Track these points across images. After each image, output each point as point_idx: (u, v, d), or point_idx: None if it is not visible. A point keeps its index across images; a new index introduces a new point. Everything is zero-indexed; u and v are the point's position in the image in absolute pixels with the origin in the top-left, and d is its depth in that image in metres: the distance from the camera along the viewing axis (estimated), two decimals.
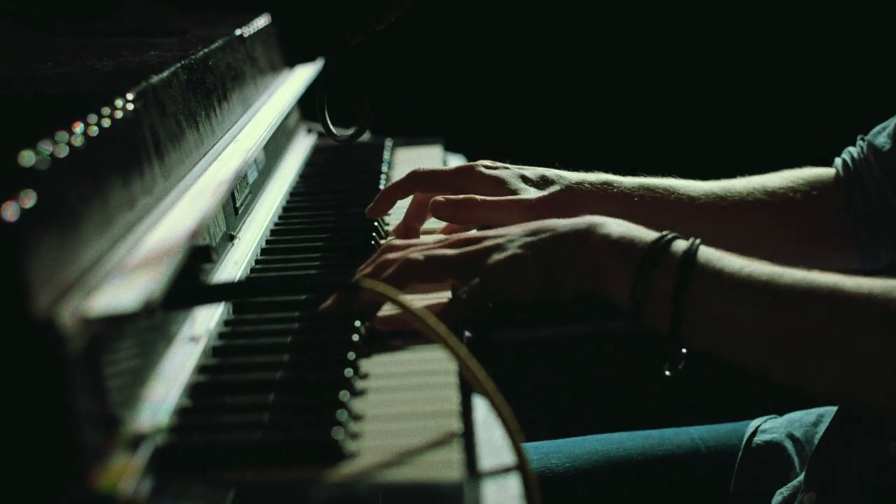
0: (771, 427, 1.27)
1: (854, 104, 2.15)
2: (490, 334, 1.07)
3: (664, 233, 0.98)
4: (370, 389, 0.91)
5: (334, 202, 1.48)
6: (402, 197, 1.30)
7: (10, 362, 0.68)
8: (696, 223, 1.25)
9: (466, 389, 0.90)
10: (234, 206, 1.26)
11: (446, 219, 1.25)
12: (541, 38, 2.67)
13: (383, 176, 1.58)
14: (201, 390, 0.90)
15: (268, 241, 1.31)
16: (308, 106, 1.82)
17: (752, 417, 1.32)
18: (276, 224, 1.39)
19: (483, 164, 1.27)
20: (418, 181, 1.28)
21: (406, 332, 1.01)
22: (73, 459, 0.69)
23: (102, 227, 0.82)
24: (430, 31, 2.56)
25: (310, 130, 1.88)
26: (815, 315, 0.91)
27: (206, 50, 1.34)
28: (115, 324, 0.77)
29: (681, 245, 0.96)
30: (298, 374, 0.93)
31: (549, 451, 1.31)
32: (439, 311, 1.00)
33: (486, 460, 0.82)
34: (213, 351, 0.98)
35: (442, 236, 1.16)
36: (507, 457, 0.81)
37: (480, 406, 0.88)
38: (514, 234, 1.03)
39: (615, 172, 1.28)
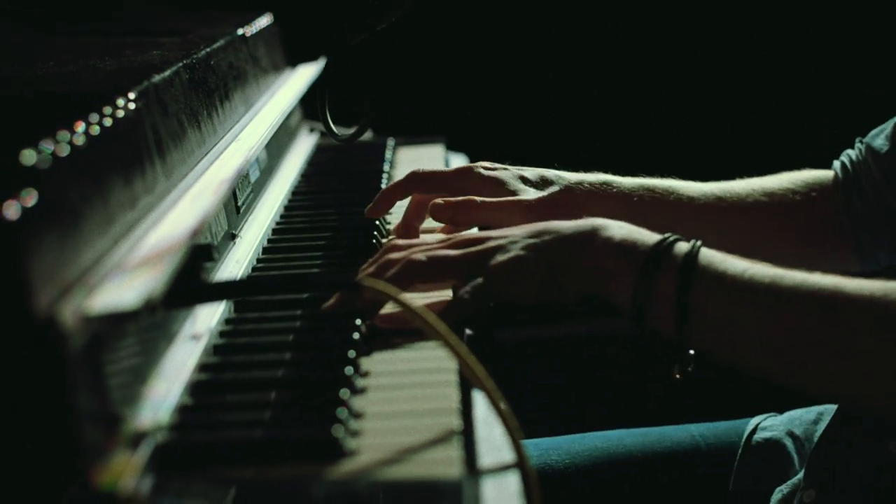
0: (771, 425, 1.28)
1: (853, 106, 2.15)
2: (491, 333, 1.06)
3: (666, 235, 0.98)
4: (371, 387, 0.91)
5: (336, 201, 1.48)
6: (402, 198, 1.30)
7: (11, 361, 0.68)
8: (695, 224, 1.25)
9: (467, 387, 0.90)
10: (236, 204, 1.26)
11: (446, 221, 1.25)
12: (542, 37, 2.66)
13: (385, 175, 1.58)
14: (202, 388, 0.90)
15: (269, 240, 1.31)
16: (310, 105, 1.82)
17: (752, 415, 1.32)
18: (277, 223, 1.39)
19: (482, 166, 1.27)
20: (418, 182, 1.28)
21: (407, 331, 1.01)
22: (74, 457, 0.69)
23: (104, 225, 0.82)
24: (431, 30, 2.56)
25: (312, 130, 1.89)
26: (816, 317, 0.91)
27: (208, 49, 1.34)
28: (117, 322, 0.77)
29: (683, 247, 0.96)
30: (299, 372, 0.93)
31: (549, 448, 1.31)
32: (440, 310, 1.00)
33: (486, 458, 0.82)
34: (215, 349, 0.98)
35: (444, 236, 1.16)
36: (507, 454, 0.81)
37: (480, 404, 0.88)
38: (517, 235, 1.03)
39: (615, 172, 1.28)
